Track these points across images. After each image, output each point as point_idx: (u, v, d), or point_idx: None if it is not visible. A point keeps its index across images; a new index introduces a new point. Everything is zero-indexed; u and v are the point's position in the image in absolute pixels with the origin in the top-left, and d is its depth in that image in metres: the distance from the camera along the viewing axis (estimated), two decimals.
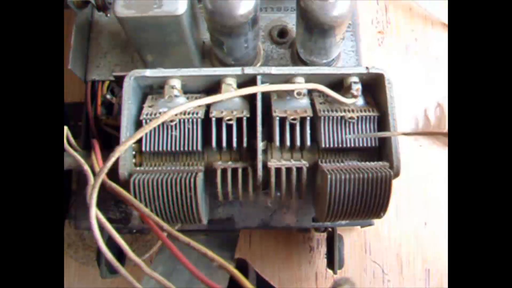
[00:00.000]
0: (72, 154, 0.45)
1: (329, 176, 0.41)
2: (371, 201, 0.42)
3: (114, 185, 0.42)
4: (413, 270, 0.67)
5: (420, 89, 0.71)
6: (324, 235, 0.67)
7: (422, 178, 0.68)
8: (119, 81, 0.50)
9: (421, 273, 0.67)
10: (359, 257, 0.68)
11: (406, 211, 0.68)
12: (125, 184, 0.43)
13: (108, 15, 0.56)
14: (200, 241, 0.56)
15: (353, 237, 0.68)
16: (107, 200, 0.55)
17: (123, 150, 0.40)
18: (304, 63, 0.57)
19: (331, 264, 0.61)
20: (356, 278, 0.67)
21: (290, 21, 0.60)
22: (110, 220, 0.55)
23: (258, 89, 0.43)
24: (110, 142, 0.57)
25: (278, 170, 0.45)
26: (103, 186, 0.41)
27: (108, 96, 0.57)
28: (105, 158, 0.44)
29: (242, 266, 0.61)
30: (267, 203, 0.56)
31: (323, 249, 0.69)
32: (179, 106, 0.41)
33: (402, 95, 0.70)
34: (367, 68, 0.46)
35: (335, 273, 0.60)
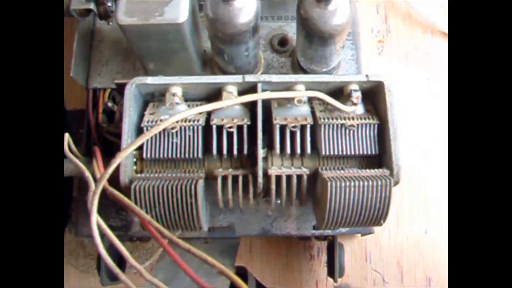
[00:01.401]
0: (74, 161, 0.45)
1: (329, 184, 0.41)
2: (371, 209, 0.42)
3: (115, 191, 0.42)
4: (414, 278, 0.66)
5: (420, 97, 0.71)
6: (324, 243, 0.67)
7: (423, 185, 0.68)
8: (120, 88, 0.50)
9: (422, 281, 0.66)
10: (359, 265, 0.68)
11: (406, 219, 0.68)
12: (126, 191, 0.43)
13: (110, 23, 0.56)
14: (201, 248, 0.56)
15: (353, 246, 0.68)
16: (108, 207, 0.55)
17: (124, 157, 0.40)
18: (305, 72, 0.57)
19: (331, 272, 0.61)
20: (356, 286, 0.67)
21: (291, 29, 0.61)
22: (110, 227, 0.55)
23: (259, 96, 0.44)
24: (111, 149, 0.57)
25: (278, 178, 0.45)
26: (104, 193, 0.42)
27: (110, 104, 0.58)
28: (106, 165, 0.44)
29: (242, 274, 0.61)
30: (268, 211, 0.56)
31: (324, 257, 0.68)
32: (180, 113, 0.42)
33: (402, 103, 0.70)
34: (367, 76, 0.46)
35: (335, 281, 0.60)
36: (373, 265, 0.67)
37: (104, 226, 0.40)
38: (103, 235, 0.40)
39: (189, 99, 0.48)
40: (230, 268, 0.54)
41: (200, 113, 0.45)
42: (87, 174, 0.44)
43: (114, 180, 0.43)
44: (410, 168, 0.67)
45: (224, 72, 0.56)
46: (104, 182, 0.39)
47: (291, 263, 0.69)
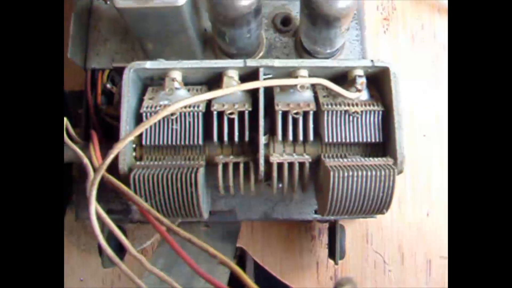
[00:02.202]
0: (72, 148, 0.44)
1: (331, 173, 0.41)
2: (374, 199, 0.41)
3: (112, 179, 0.41)
4: (414, 261, 0.67)
5: (426, 78, 0.70)
6: (326, 224, 0.67)
7: (426, 168, 0.68)
8: (119, 69, 0.49)
9: (423, 263, 0.66)
10: (360, 247, 0.68)
11: (409, 201, 0.68)
12: (125, 179, 0.42)
13: (108, 1, 0.55)
14: (202, 232, 0.56)
15: (355, 227, 0.68)
16: (108, 191, 0.54)
17: (122, 147, 0.40)
18: (308, 53, 0.55)
19: (332, 254, 0.61)
20: (357, 268, 0.67)
21: (294, 8, 0.59)
22: (111, 211, 0.55)
23: (260, 84, 0.42)
24: (111, 131, 0.56)
25: (280, 165, 0.44)
26: (102, 180, 0.41)
27: (108, 85, 0.57)
28: (105, 149, 0.43)
29: (240, 255, 0.61)
30: (270, 195, 0.55)
31: (325, 238, 0.68)
32: (179, 102, 0.40)
33: (407, 84, 0.69)
34: (372, 61, 0.45)
35: (336, 263, 0.60)
36: (374, 247, 0.67)
37: (103, 215, 0.40)
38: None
39: (189, 83, 0.47)
40: (231, 253, 0.54)
41: None
42: (86, 161, 0.43)
43: (114, 166, 0.43)
44: (413, 151, 0.66)
45: (225, 53, 0.55)
46: (102, 173, 0.39)
47: (292, 244, 0.69)
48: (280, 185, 0.47)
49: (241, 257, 0.64)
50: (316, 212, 0.56)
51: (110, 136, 0.57)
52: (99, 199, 0.55)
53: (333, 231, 0.61)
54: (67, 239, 0.73)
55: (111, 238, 0.42)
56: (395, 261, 0.67)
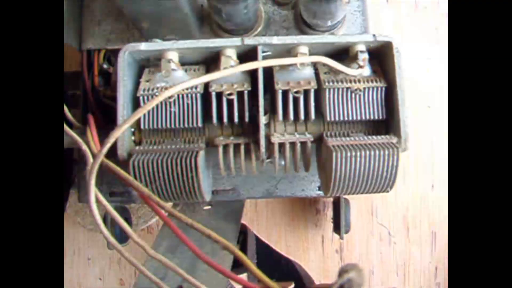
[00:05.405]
0: (69, 134, 0.43)
1: (334, 154, 0.40)
2: (377, 178, 0.41)
3: (112, 165, 0.40)
4: (419, 233, 0.67)
5: (429, 47, 0.68)
6: (330, 198, 0.67)
7: (430, 140, 0.67)
8: (114, 52, 0.48)
9: (428, 235, 0.66)
10: (366, 219, 0.68)
11: (413, 174, 0.67)
12: (124, 164, 0.42)
13: None
14: (205, 212, 0.55)
15: (360, 200, 0.68)
16: (110, 173, 0.54)
17: (119, 134, 0.39)
18: (308, 26, 0.54)
19: (337, 228, 0.61)
20: (362, 241, 0.67)
21: None
22: (113, 194, 0.55)
23: (259, 64, 0.41)
24: (110, 111, 0.55)
25: (281, 145, 0.44)
26: (102, 165, 0.40)
27: (105, 66, 0.56)
28: (104, 133, 0.42)
29: (242, 231, 0.61)
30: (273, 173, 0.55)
31: (330, 212, 0.68)
32: (176, 86, 0.39)
33: (410, 53, 0.67)
34: (374, 35, 0.43)
35: (341, 238, 0.60)
36: (379, 220, 0.67)
37: (104, 202, 0.39)
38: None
39: (186, 62, 0.46)
40: (235, 233, 0.54)
41: None
42: (84, 147, 0.42)
43: (114, 148, 0.42)
44: (417, 123, 0.66)
45: (223, 29, 0.53)
46: (99, 161, 0.38)
47: (297, 218, 0.69)
48: (283, 163, 0.46)
49: (243, 233, 0.65)
50: (319, 189, 0.55)
51: (109, 117, 0.56)
52: (101, 182, 0.55)
53: (338, 206, 0.61)
54: (73, 220, 0.74)
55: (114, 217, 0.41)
56: (400, 233, 0.67)
